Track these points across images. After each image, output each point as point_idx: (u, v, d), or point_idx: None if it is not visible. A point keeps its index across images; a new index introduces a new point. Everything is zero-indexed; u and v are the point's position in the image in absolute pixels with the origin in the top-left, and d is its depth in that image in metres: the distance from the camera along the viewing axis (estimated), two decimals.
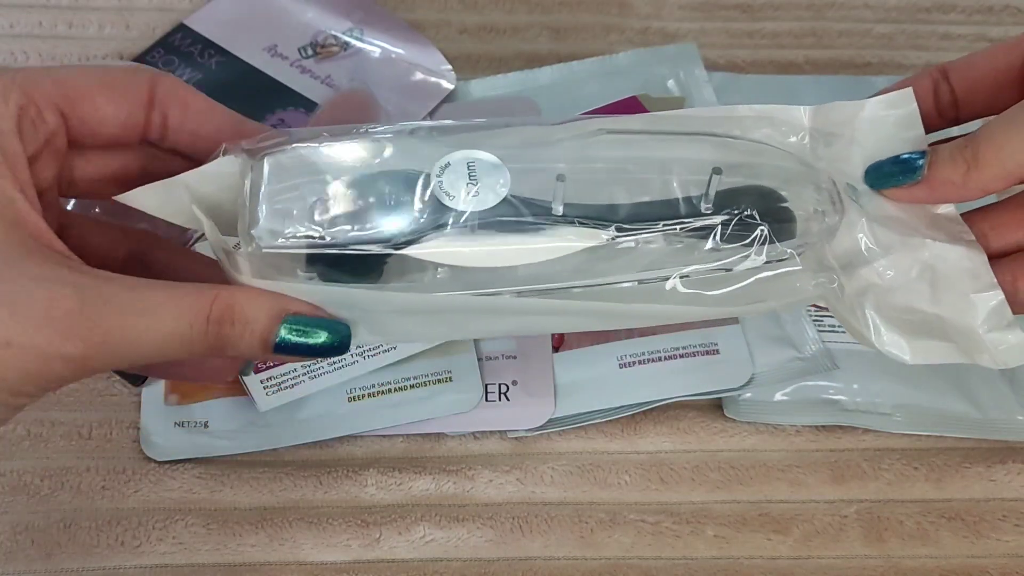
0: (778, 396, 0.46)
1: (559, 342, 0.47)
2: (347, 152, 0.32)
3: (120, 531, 0.42)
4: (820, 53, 0.59)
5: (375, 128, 0.33)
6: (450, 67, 0.56)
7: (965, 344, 0.34)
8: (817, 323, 0.47)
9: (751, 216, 0.33)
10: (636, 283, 0.33)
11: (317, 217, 0.31)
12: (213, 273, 0.32)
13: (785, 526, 0.43)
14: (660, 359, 0.46)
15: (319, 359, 0.31)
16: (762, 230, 0.32)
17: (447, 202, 0.31)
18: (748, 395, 0.46)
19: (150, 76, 0.32)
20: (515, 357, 0.47)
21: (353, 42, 0.57)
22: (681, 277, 0.32)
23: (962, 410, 0.46)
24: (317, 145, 0.32)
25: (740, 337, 0.47)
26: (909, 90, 0.34)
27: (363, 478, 0.44)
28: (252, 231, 0.30)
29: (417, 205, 0.31)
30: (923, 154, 0.33)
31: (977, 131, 0.33)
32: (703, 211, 0.33)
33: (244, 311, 0.29)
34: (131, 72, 0.32)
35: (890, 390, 0.46)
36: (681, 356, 0.46)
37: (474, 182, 0.32)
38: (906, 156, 0.34)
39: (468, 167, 0.32)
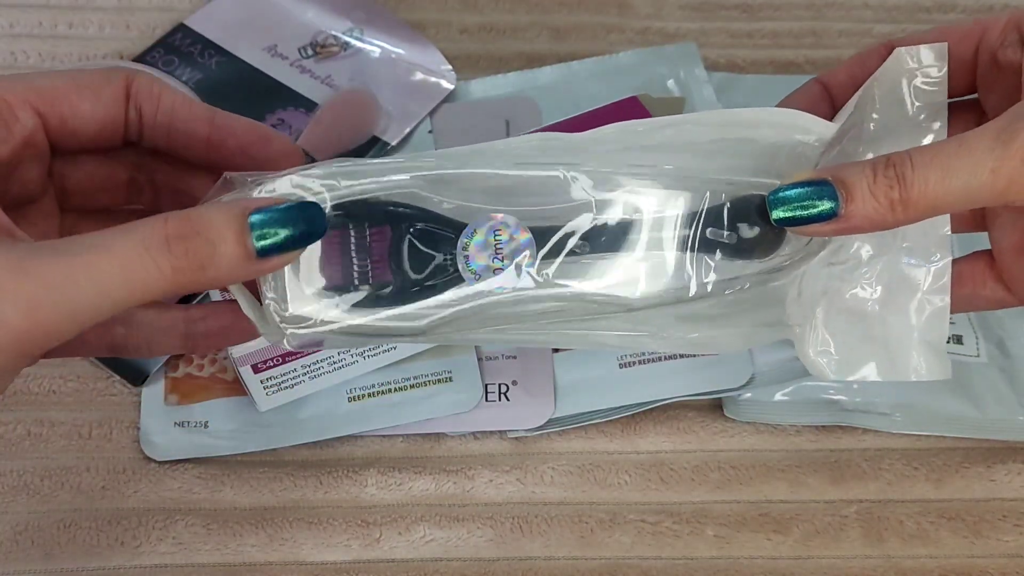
0: (778, 396, 0.46)
1: None
2: (365, 209, 0.32)
3: (120, 531, 0.42)
4: (820, 53, 0.59)
5: (366, 165, 0.32)
6: (450, 67, 0.55)
7: (896, 353, 0.34)
8: None
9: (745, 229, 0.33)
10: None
11: (340, 283, 0.31)
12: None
13: (785, 526, 0.43)
14: (660, 359, 0.46)
15: (303, 247, 0.29)
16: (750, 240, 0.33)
17: (471, 283, 0.32)
18: (748, 395, 0.46)
19: (124, 74, 0.31)
20: (515, 357, 0.47)
21: (353, 42, 0.57)
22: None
23: (962, 410, 0.46)
24: (326, 193, 0.31)
25: None
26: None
27: (363, 478, 0.44)
28: (280, 324, 0.31)
29: (441, 273, 0.32)
30: (832, 188, 0.31)
31: (904, 171, 0.30)
32: (707, 233, 0.33)
33: (202, 218, 0.27)
34: (105, 71, 0.32)
35: (890, 390, 0.46)
36: (681, 356, 0.46)
37: (499, 258, 0.32)
38: (813, 188, 0.31)
39: (494, 236, 0.32)
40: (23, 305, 0.25)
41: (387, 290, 0.31)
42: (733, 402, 0.46)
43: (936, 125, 0.34)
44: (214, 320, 0.32)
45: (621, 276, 0.32)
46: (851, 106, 0.34)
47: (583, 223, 0.32)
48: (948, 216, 0.35)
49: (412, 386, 0.46)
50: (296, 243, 0.28)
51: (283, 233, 0.28)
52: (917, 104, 0.34)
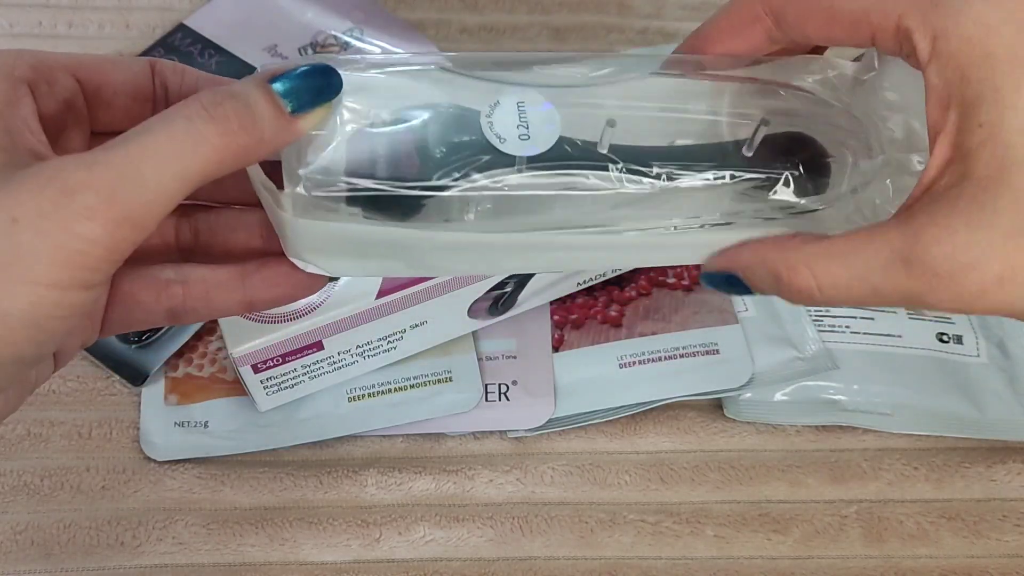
0: (778, 396, 0.46)
1: (559, 342, 0.47)
2: (395, 86, 0.32)
3: (120, 531, 0.42)
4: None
5: (416, 58, 0.33)
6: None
7: None
8: (817, 323, 0.47)
9: (790, 165, 0.32)
10: (673, 228, 0.32)
11: (363, 158, 0.30)
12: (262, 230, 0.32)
13: (785, 526, 0.43)
14: (660, 359, 0.46)
15: (326, 100, 0.30)
16: (796, 177, 0.32)
17: (497, 145, 0.31)
18: (748, 395, 0.46)
19: (148, 58, 0.33)
20: (515, 357, 0.47)
21: (353, 42, 0.57)
22: (715, 225, 0.32)
23: (962, 410, 0.46)
24: (363, 75, 0.31)
25: (740, 337, 0.47)
26: None
27: (363, 478, 0.44)
28: (300, 171, 0.30)
29: (465, 146, 0.31)
30: (742, 286, 0.31)
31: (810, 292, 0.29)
32: (746, 160, 0.32)
33: (233, 86, 0.29)
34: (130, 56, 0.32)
35: (890, 390, 0.46)
36: (681, 356, 0.46)
37: (524, 125, 0.31)
38: (725, 282, 0.32)
39: (519, 108, 0.31)
40: (105, 193, 0.26)
41: (414, 171, 0.31)
42: (733, 402, 0.46)
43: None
44: (269, 270, 0.32)
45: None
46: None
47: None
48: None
49: (412, 386, 0.46)
50: (317, 97, 0.30)
51: (304, 89, 0.29)
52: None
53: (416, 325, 0.44)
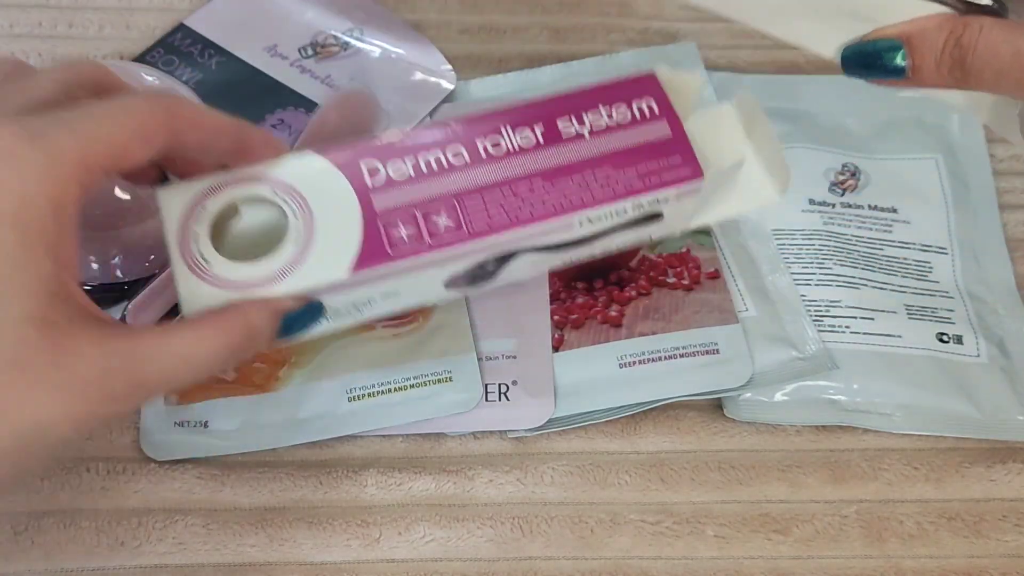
0: (778, 396, 0.46)
1: (559, 342, 0.47)
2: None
3: (120, 531, 0.42)
4: None
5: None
6: (450, 67, 0.56)
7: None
8: (817, 323, 0.47)
9: None
10: None
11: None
12: None
13: (785, 526, 0.43)
14: (660, 359, 0.46)
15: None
16: None
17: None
18: (748, 395, 0.46)
19: (166, 106, 0.32)
20: (515, 357, 0.47)
21: (353, 42, 0.57)
22: None
23: (962, 410, 0.46)
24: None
25: (740, 337, 0.47)
26: None
27: (363, 478, 0.44)
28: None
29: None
30: (902, 51, 0.34)
31: (965, 57, 0.33)
32: None
33: (254, 324, 0.33)
34: (152, 110, 0.32)
35: (890, 390, 0.46)
36: (681, 356, 0.46)
37: None
38: (885, 53, 0.34)
39: None
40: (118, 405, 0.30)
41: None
42: (733, 402, 0.46)
43: None
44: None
45: None
46: None
47: None
48: None
49: (412, 386, 0.46)
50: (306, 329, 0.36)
51: (303, 325, 0.36)
52: None
53: (388, 295, 0.41)
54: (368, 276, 0.35)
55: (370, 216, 0.35)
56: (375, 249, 0.34)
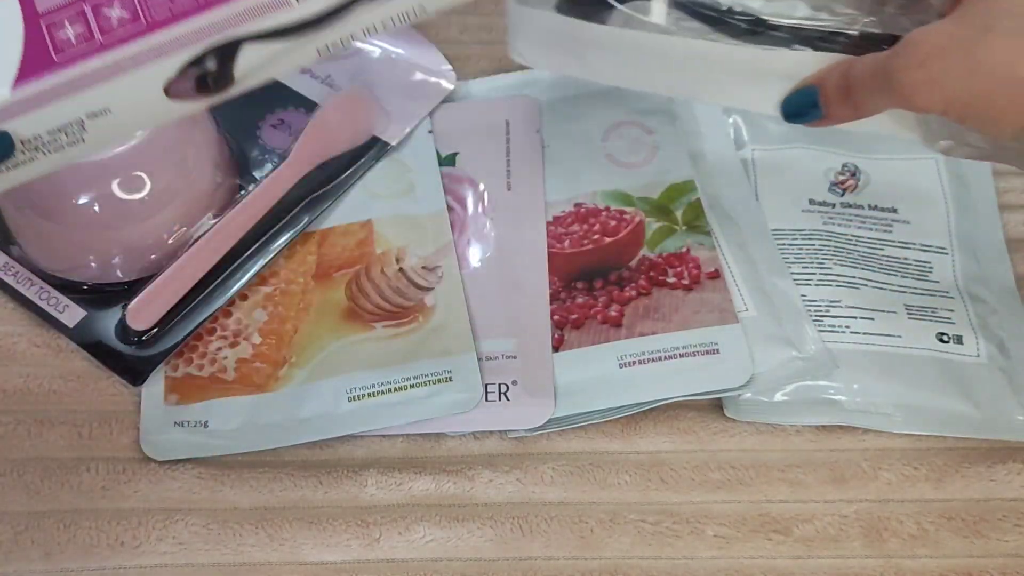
0: (778, 396, 0.46)
1: (559, 342, 0.47)
2: None
3: (120, 531, 0.42)
4: None
5: None
6: (450, 67, 0.55)
7: None
8: (817, 323, 0.47)
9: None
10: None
11: None
12: None
13: (785, 526, 0.43)
14: (660, 359, 0.46)
15: None
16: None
17: None
18: (748, 395, 0.46)
19: None
20: (515, 357, 0.47)
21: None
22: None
23: (962, 410, 0.46)
24: None
25: (740, 337, 0.47)
26: None
27: (363, 478, 0.44)
28: None
29: None
30: (817, 96, 0.38)
31: (854, 98, 0.37)
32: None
33: None
34: None
35: (890, 390, 0.46)
36: (681, 356, 0.46)
37: None
38: (805, 100, 0.39)
39: None
40: None
41: None
42: (733, 402, 0.46)
43: None
44: None
45: None
46: None
47: None
48: None
49: (412, 386, 0.46)
50: None
51: None
52: None
53: (96, 114, 0.34)
54: (38, 90, 0.29)
55: (32, 18, 0.30)
56: (39, 57, 0.29)
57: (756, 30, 0.40)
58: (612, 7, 0.41)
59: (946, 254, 0.50)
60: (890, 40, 0.37)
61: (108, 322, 0.47)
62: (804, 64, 0.39)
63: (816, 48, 0.39)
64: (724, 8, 0.40)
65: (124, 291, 0.47)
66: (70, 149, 0.33)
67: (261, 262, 0.49)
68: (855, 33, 0.39)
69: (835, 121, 0.39)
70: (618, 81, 0.45)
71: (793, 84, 0.39)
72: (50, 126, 0.31)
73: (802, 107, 0.39)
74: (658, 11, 0.41)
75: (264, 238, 0.49)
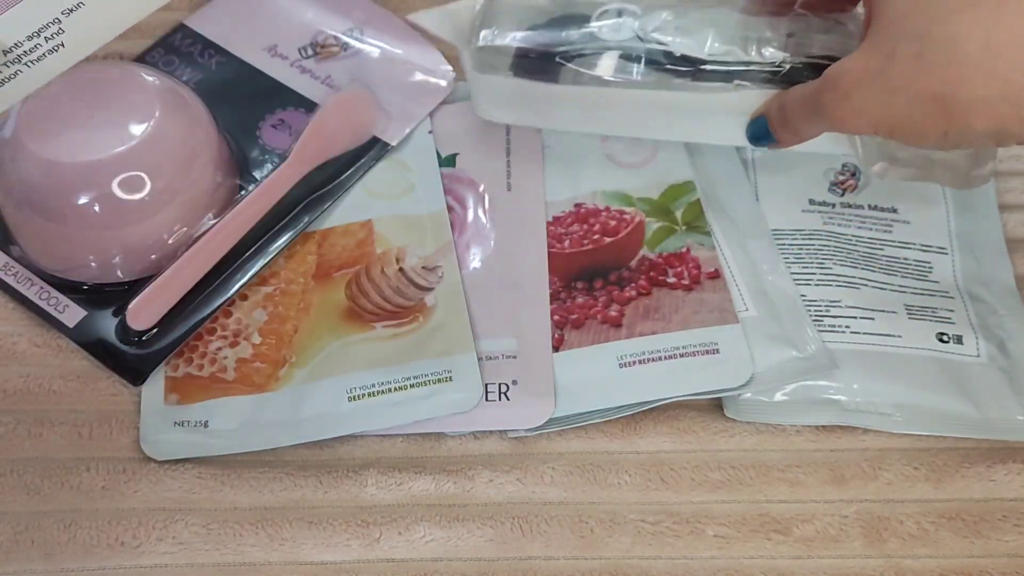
0: (778, 396, 0.46)
1: (559, 342, 0.47)
2: None
3: (120, 531, 0.42)
4: None
5: None
6: (450, 67, 0.56)
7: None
8: (817, 323, 0.47)
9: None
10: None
11: (519, 34, 0.46)
12: None
13: (785, 526, 0.43)
14: (660, 359, 0.46)
15: None
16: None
17: (597, 32, 0.45)
18: (748, 395, 0.46)
19: None
20: (515, 357, 0.47)
21: (353, 42, 0.57)
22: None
23: (962, 410, 0.46)
24: None
25: (740, 337, 0.47)
26: None
27: (363, 478, 0.44)
28: (481, 32, 0.46)
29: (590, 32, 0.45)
30: (766, 127, 0.44)
31: (792, 124, 0.42)
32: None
33: None
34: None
35: (890, 390, 0.46)
36: (681, 356, 0.46)
37: (616, 27, 0.45)
38: (759, 129, 0.44)
39: (618, 12, 0.46)
40: None
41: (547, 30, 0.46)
42: (733, 402, 0.46)
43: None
44: None
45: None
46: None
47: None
48: None
49: (412, 386, 0.46)
50: None
51: None
52: None
53: (71, 9, 0.34)
54: None
55: None
56: None
57: (698, 72, 0.44)
58: (562, 64, 0.45)
59: (946, 254, 0.50)
60: (814, 68, 0.42)
61: (108, 322, 0.47)
62: (747, 100, 0.44)
63: (755, 83, 0.44)
64: (667, 55, 0.45)
65: (124, 291, 0.47)
66: (51, 57, 0.33)
67: (261, 262, 0.49)
68: (786, 68, 0.44)
69: (785, 145, 0.44)
70: (578, 129, 0.50)
71: (739, 117, 0.45)
72: (28, 30, 0.31)
73: (757, 135, 0.45)
74: (605, 66, 0.45)
75: (264, 238, 0.49)
